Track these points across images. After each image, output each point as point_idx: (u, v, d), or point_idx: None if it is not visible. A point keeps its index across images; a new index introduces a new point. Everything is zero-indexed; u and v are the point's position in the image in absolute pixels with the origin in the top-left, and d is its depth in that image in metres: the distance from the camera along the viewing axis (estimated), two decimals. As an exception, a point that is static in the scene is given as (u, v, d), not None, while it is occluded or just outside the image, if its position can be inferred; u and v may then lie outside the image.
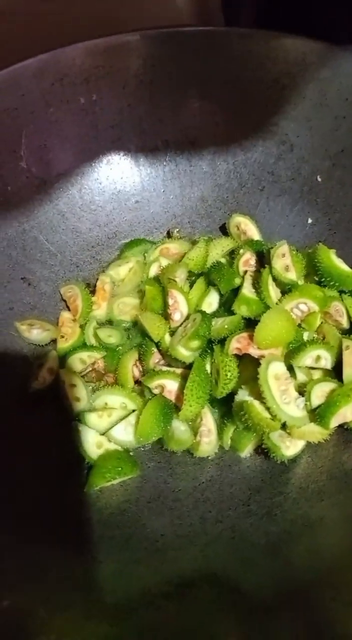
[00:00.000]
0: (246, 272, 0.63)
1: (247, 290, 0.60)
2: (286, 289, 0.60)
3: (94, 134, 0.70)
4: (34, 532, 0.46)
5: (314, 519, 0.48)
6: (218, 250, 0.67)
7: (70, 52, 0.66)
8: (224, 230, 0.74)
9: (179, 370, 0.59)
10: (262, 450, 0.55)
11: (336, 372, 0.57)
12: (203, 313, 0.59)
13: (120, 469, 0.53)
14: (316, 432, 0.53)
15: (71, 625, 0.38)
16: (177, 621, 0.39)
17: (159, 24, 0.69)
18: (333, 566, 0.42)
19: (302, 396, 0.54)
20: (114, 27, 0.68)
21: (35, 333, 0.63)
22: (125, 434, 0.57)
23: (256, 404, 0.53)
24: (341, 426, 0.54)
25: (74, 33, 0.65)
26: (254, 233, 0.69)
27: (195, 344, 0.57)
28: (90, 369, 0.62)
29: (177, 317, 0.61)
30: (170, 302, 0.61)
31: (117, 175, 0.73)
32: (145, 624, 0.39)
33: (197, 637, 0.37)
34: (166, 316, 0.62)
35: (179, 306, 0.62)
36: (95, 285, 0.69)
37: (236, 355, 0.57)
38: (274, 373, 0.53)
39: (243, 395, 0.54)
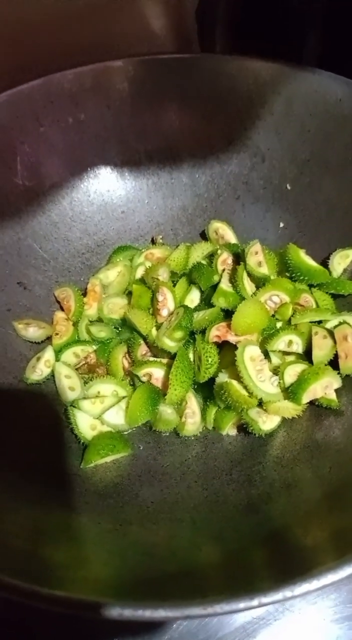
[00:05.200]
0: (223, 270, 0.69)
1: (225, 285, 0.66)
2: (260, 283, 0.66)
3: (82, 150, 0.76)
4: (36, 497, 0.50)
5: (290, 482, 0.53)
6: (198, 253, 0.73)
7: (59, 77, 0.73)
8: (204, 236, 0.80)
9: (164, 360, 0.65)
10: (243, 428, 0.60)
11: (307, 357, 0.63)
12: (185, 307, 0.65)
13: (113, 446, 0.58)
14: (290, 408, 0.58)
15: (75, 564, 0.42)
16: (166, 564, 0.44)
17: (141, 50, 0.76)
18: (305, 514, 0.47)
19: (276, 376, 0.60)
20: (99, 53, 0.75)
21: (31, 331, 0.68)
22: (117, 418, 0.62)
23: (235, 383, 0.58)
24: (312, 403, 0.60)
25: (62, 56, 0.72)
26: (231, 237, 0.76)
27: (178, 334, 0.63)
28: (84, 362, 0.67)
29: (164, 312, 0.67)
30: (159, 298, 0.67)
31: (104, 188, 0.79)
32: (138, 565, 0.44)
33: (188, 575, 0.42)
34: (153, 312, 0.68)
35: (168, 303, 0.67)
36: (86, 288, 0.74)
37: (216, 344, 0.63)
38: (249, 355, 0.58)
39: (223, 377, 0.60)
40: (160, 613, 0.34)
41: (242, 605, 0.34)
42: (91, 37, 0.86)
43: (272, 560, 0.42)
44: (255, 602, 0.34)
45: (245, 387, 0.58)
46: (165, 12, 0.99)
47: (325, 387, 0.58)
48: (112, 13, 0.93)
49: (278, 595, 0.34)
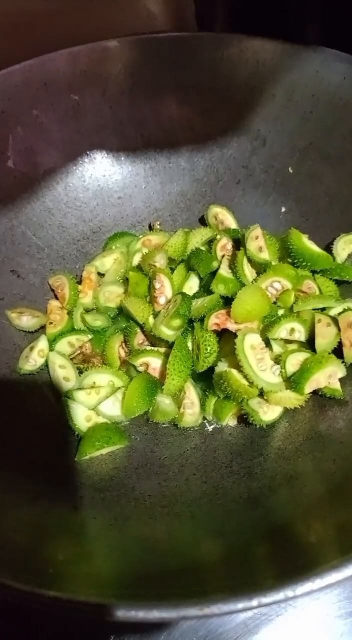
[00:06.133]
0: (223, 256, 0.67)
1: (224, 271, 0.64)
2: (261, 270, 0.64)
3: (77, 135, 0.74)
4: (33, 492, 0.49)
5: (292, 474, 0.51)
6: (198, 239, 0.71)
7: (54, 59, 0.70)
8: (203, 223, 0.78)
9: (162, 350, 0.63)
10: (243, 419, 0.58)
11: (310, 346, 0.61)
12: (183, 294, 0.63)
13: (109, 438, 0.56)
14: (292, 398, 0.56)
15: (70, 560, 0.41)
16: (164, 559, 0.42)
17: (137, 31, 0.74)
18: (308, 509, 0.45)
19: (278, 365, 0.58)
20: (95, 35, 0.72)
21: (25, 320, 0.66)
22: (113, 409, 0.60)
23: (235, 372, 0.56)
24: (315, 393, 0.58)
25: (57, 41, 0.70)
26: (231, 223, 0.73)
27: (177, 322, 0.61)
28: (79, 352, 0.65)
29: (162, 300, 0.65)
30: (157, 286, 0.65)
31: (100, 174, 0.77)
32: (136, 561, 0.42)
33: (187, 571, 0.40)
34: (150, 300, 0.66)
35: (165, 290, 0.65)
36: (81, 276, 0.72)
37: (215, 332, 0.60)
38: (250, 344, 0.56)
39: (223, 367, 0.58)
40: (154, 614, 0.32)
41: (241, 606, 0.32)
42: (88, 25, 0.84)
43: (275, 556, 0.41)
44: (254, 602, 0.32)
45: (245, 377, 0.56)
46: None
47: (329, 377, 0.56)
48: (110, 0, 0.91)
49: (279, 596, 0.32)
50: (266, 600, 0.32)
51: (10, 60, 0.69)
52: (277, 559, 0.40)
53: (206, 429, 0.60)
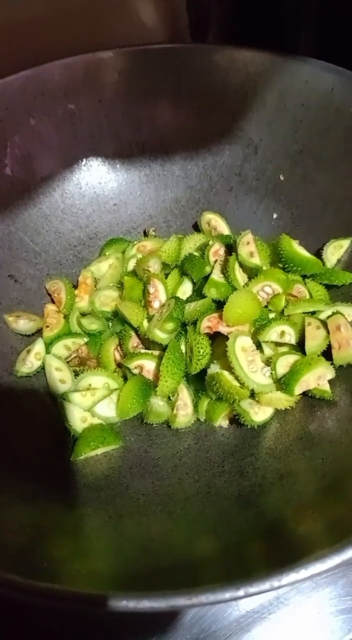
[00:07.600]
0: (215, 261, 0.68)
1: (216, 275, 0.65)
2: (253, 274, 0.65)
3: (73, 142, 0.76)
4: (29, 492, 0.50)
5: (283, 473, 0.52)
6: (191, 244, 0.73)
7: (50, 68, 0.72)
8: (197, 229, 0.79)
9: (156, 352, 0.64)
10: (235, 420, 0.60)
11: (300, 348, 0.62)
12: (176, 298, 0.64)
13: (104, 438, 0.57)
14: (282, 399, 0.58)
15: (65, 558, 0.42)
16: (157, 556, 0.43)
17: (131, 41, 0.76)
18: (298, 506, 0.47)
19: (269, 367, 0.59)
20: (90, 44, 0.74)
21: (22, 323, 0.67)
22: (108, 410, 0.61)
23: (226, 374, 0.58)
24: (305, 394, 0.59)
25: (53, 51, 0.71)
26: (224, 228, 0.75)
27: (170, 326, 0.62)
28: (75, 355, 0.67)
29: (156, 304, 0.66)
30: (151, 290, 0.66)
31: (96, 180, 0.78)
32: (129, 558, 0.43)
33: (179, 568, 0.41)
34: (144, 304, 0.67)
35: (159, 294, 0.67)
36: (77, 281, 0.74)
37: (208, 335, 0.62)
38: (241, 346, 0.58)
39: (215, 368, 0.59)
40: (144, 604, 0.33)
41: (227, 595, 0.33)
42: (83, 35, 0.85)
43: (266, 552, 0.42)
44: (241, 592, 0.33)
45: (237, 378, 0.57)
46: (156, 8, 0.98)
47: (318, 378, 0.57)
48: (104, 10, 0.93)
49: (265, 585, 0.34)
50: (252, 589, 0.33)
51: (5, 68, 0.70)
52: (268, 554, 0.41)
53: (198, 429, 0.61)
